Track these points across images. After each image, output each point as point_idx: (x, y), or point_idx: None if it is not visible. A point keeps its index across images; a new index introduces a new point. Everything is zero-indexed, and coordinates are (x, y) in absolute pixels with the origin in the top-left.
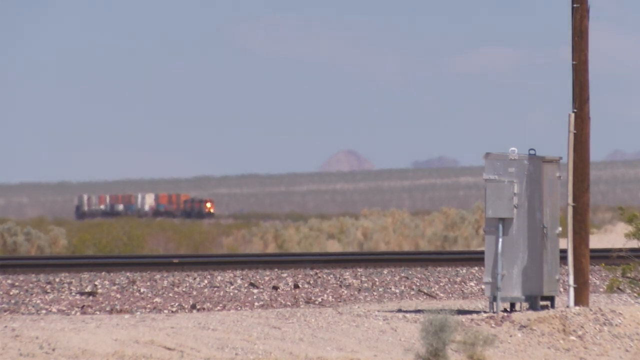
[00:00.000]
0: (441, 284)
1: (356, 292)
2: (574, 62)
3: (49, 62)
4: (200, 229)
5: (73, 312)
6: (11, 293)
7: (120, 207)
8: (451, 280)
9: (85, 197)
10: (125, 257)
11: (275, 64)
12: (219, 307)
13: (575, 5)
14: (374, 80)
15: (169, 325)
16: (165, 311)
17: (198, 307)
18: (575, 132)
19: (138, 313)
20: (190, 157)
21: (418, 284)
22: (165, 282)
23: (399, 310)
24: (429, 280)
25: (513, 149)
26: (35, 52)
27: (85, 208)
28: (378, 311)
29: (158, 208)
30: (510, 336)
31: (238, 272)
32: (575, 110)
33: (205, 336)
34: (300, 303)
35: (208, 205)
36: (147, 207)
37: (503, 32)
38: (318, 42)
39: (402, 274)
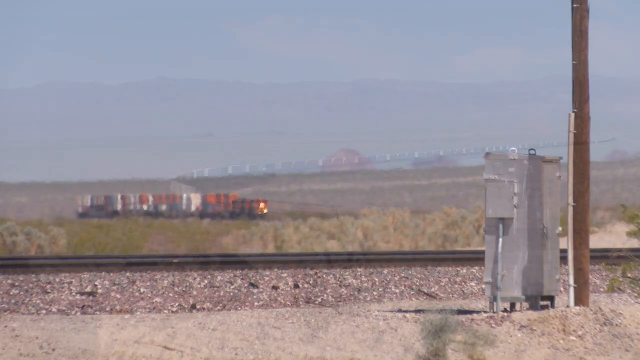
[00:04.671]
0: (441, 283)
1: (356, 292)
2: (574, 62)
3: (49, 61)
4: (200, 229)
5: (73, 312)
6: (11, 293)
7: (164, 207)
8: (451, 280)
9: (118, 195)
10: (125, 257)
11: (275, 63)
12: (218, 307)
13: (575, 5)
14: (374, 80)
15: (169, 325)
16: (165, 311)
17: (198, 307)
18: (575, 132)
19: (138, 313)
20: (190, 157)
21: (418, 283)
22: (165, 282)
23: (399, 310)
24: (429, 280)
25: (513, 149)
26: (34, 52)
27: (119, 206)
28: (378, 311)
29: (205, 209)
30: (510, 336)
31: (238, 272)
32: (575, 110)
33: (205, 336)
34: (300, 303)
35: (261, 205)
36: (193, 208)
37: (503, 32)
38: (318, 42)
39: (402, 274)
